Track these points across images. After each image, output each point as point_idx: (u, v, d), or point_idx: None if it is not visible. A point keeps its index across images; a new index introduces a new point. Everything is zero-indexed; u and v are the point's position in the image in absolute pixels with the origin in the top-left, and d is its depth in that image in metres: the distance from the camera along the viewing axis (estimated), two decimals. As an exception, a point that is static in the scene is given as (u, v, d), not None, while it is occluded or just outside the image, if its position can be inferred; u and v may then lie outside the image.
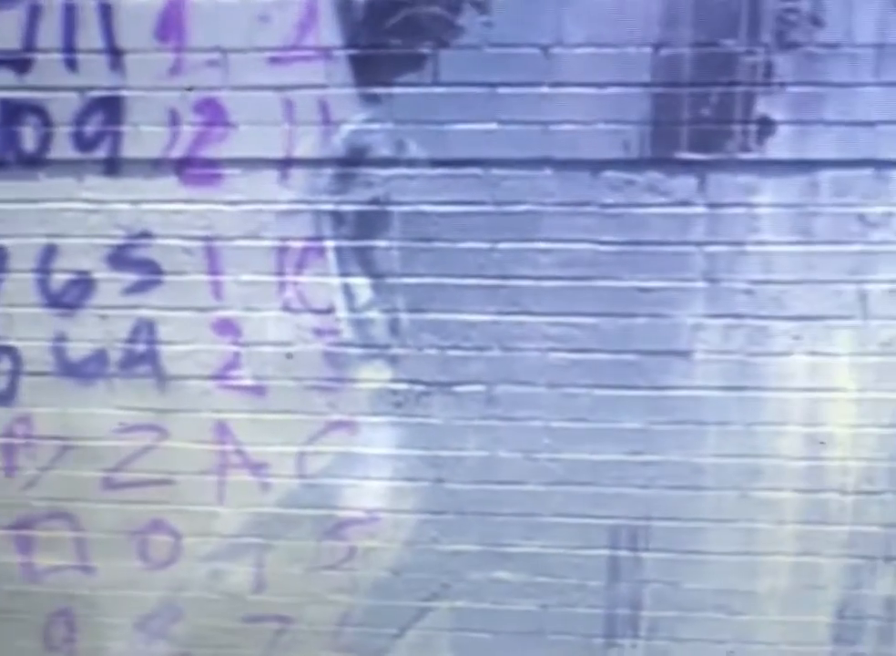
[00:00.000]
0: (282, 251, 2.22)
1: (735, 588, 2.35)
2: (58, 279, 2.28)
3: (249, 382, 2.29)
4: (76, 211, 2.24)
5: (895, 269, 2.14)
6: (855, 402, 2.21)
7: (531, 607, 2.40)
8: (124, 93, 2.17)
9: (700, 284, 2.18)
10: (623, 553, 2.35)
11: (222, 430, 2.32)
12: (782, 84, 2.07)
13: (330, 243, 2.21)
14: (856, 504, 2.27)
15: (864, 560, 2.30)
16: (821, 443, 2.24)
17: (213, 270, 2.24)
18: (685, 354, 2.22)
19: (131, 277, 2.26)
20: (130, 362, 2.30)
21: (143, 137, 2.18)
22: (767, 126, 2.09)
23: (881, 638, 2.34)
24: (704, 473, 2.29)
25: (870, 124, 2.07)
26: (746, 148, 2.10)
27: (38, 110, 2.19)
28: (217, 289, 2.25)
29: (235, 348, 2.27)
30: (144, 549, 2.41)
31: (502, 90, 2.11)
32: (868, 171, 2.10)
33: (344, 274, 2.23)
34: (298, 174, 2.18)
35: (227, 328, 2.26)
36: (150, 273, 2.25)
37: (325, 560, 2.39)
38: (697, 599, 2.36)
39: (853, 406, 2.22)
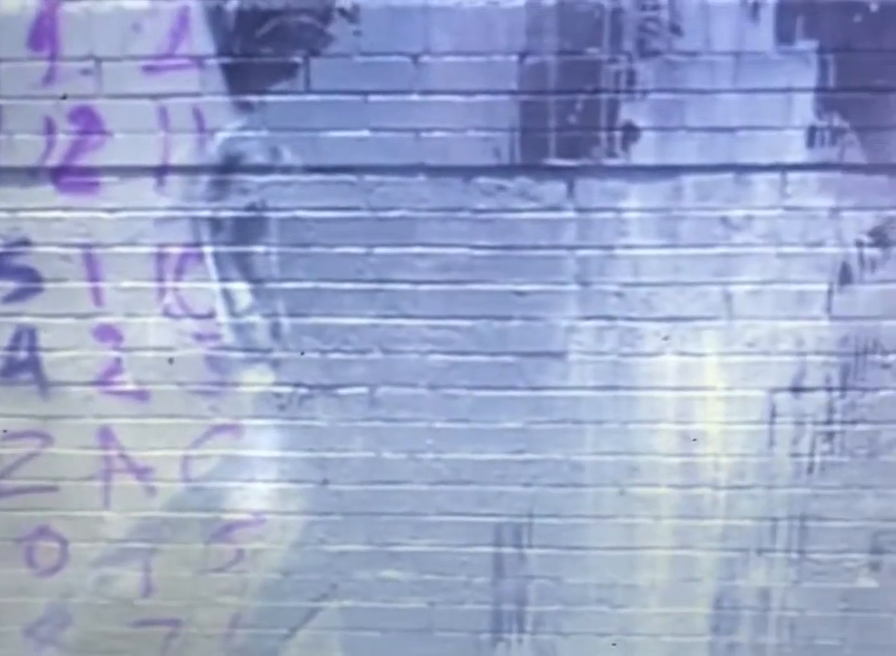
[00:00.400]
0: (161, 257, 2.24)
1: (616, 581, 2.41)
2: (-63, 287, 2.28)
3: (131, 387, 2.30)
4: (-47, 220, 2.24)
5: (758, 270, 2.20)
6: (724, 400, 2.28)
7: (419, 604, 2.44)
8: (-2, 101, 2.18)
9: (573, 287, 2.24)
10: (507, 550, 2.40)
11: (106, 435, 2.33)
12: (645, 91, 2.12)
13: (208, 249, 2.23)
14: (728, 498, 2.34)
15: (738, 553, 2.37)
16: (693, 440, 2.31)
17: (93, 276, 2.25)
18: (560, 355, 2.27)
19: (10, 285, 2.26)
20: (12, 369, 2.30)
21: (18, 145, 2.19)
22: (631, 132, 2.15)
23: (756, 627, 2.41)
24: (583, 470, 2.34)
25: (730, 130, 2.13)
26: (612, 154, 2.16)
27: (-88, 119, 2.19)
28: (97, 295, 2.26)
29: (116, 354, 2.29)
30: (31, 556, 2.41)
31: (373, 98, 2.15)
32: (729, 176, 2.16)
33: (224, 279, 2.25)
34: (174, 181, 2.20)
35: (108, 334, 2.28)
36: (30, 281, 2.26)
37: (213, 563, 2.41)
38: (580, 593, 2.42)
39: (722, 404, 2.28)
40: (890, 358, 2.23)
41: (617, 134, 2.15)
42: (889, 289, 2.19)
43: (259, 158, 2.19)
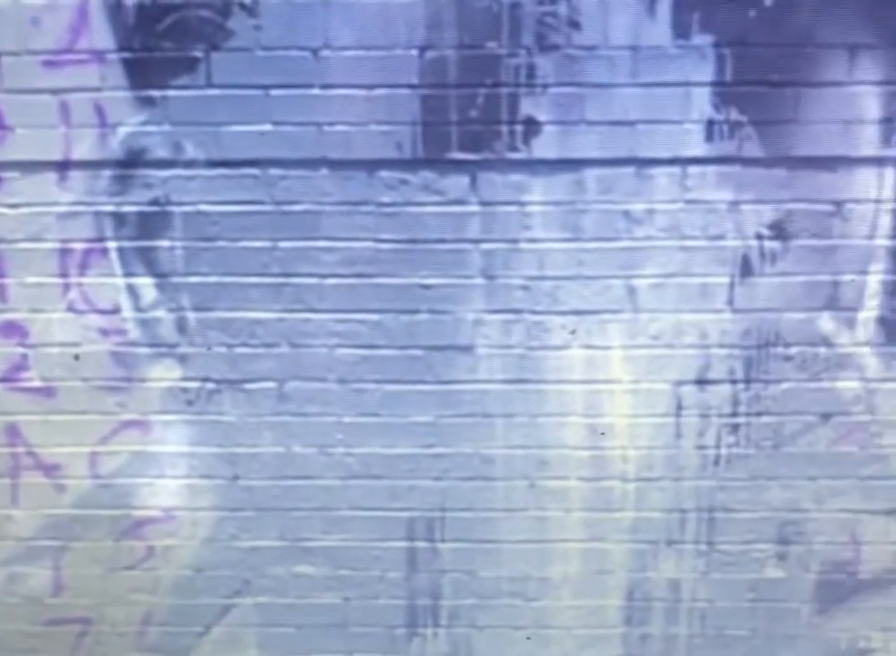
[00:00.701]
0: (65, 252, 2.23)
1: (529, 574, 2.42)
2: None
3: (37, 383, 2.29)
4: None
5: (660, 264, 2.22)
6: (631, 393, 2.30)
7: (333, 600, 2.44)
8: None
9: (478, 281, 2.24)
10: (420, 544, 2.40)
11: (12, 432, 2.31)
12: (545, 85, 2.13)
13: (112, 244, 2.23)
14: (637, 491, 2.35)
15: (648, 545, 2.38)
16: (602, 433, 2.32)
17: (-4, 272, 2.24)
18: (468, 349, 2.28)
19: (-87, 281, 2.25)
20: (-85, 366, 2.29)
21: (-82, 140, 2.17)
22: (532, 126, 2.16)
23: (668, 618, 2.43)
24: (494, 464, 2.35)
25: (630, 123, 2.15)
26: (514, 148, 2.17)
27: None
28: (1, 291, 2.25)
29: (22, 350, 2.27)
30: (-62, 554, 2.40)
31: (274, 92, 2.15)
32: (630, 169, 2.18)
33: (128, 274, 2.24)
34: (77, 176, 2.19)
35: (13, 330, 2.26)
36: (-68, 277, 2.25)
37: (124, 561, 2.40)
38: (494, 586, 2.42)
39: (629, 397, 2.30)
40: (793, 350, 2.25)
41: (519, 128, 2.16)
42: (789, 281, 2.21)
43: (162, 153, 2.18)
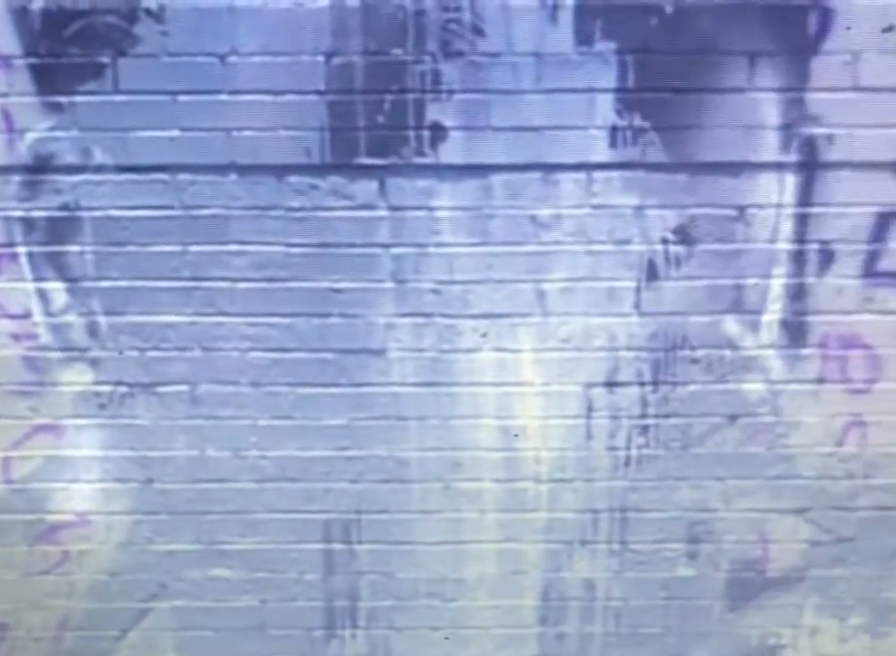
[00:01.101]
0: (-26, 257, 2.23)
1: (445, 576, 2.44)
2: None
3: (-52, 389, 2.29)
4: None
5: (568, 268, 2.25)
6: (542, 395, 2.32)
7: (251, 602, 2.45)
8: None
9: (389, 285, 2.26)
10: (337, 546, 2.42)
11: (-77, 438, 2.31)
12: (450, 91, 2.15)
13: (22, 249, 2.23)
14: (551, 492, 2.38)
15: (562, 545, 2.41)
16: (515, 435, 2.34)
17: None
18: (380, 352, 2.30)
19: None
20: None
21: None
22: (439, 131, 2.18)
23: (584, 617, 2.46)
24: (408, 466, 2.37)
25: (535, 129, 2.17)
26: (421, 154, 2.19)
27: None
28: (-90, 296, 2.25)
29: (-68, 355, 2.27)
30: None
31: (182, 98, 2.15)
32: (536, 175, 2.20)
33: (39, 279, 2.24)
34: (-16, 181, 2.19)
35: (-78, 335, 2.26)
36: None
37: (38, 565, 2.40)
38: (411, 588, 2.44)
39: (541, 399, 2.32)
40: (699, 353, 2.28)
41: (425, 133, 2.18)
42: (694, 285, 2.25)
43: (71, 158, 2.18)
